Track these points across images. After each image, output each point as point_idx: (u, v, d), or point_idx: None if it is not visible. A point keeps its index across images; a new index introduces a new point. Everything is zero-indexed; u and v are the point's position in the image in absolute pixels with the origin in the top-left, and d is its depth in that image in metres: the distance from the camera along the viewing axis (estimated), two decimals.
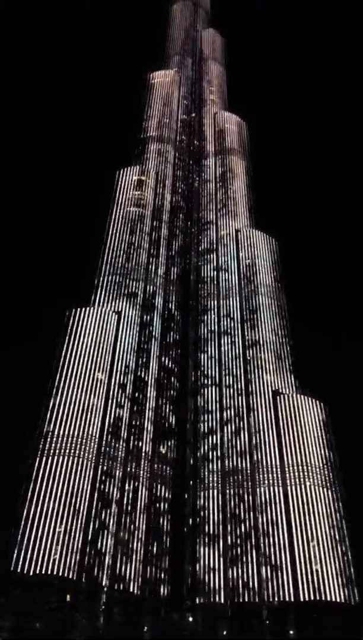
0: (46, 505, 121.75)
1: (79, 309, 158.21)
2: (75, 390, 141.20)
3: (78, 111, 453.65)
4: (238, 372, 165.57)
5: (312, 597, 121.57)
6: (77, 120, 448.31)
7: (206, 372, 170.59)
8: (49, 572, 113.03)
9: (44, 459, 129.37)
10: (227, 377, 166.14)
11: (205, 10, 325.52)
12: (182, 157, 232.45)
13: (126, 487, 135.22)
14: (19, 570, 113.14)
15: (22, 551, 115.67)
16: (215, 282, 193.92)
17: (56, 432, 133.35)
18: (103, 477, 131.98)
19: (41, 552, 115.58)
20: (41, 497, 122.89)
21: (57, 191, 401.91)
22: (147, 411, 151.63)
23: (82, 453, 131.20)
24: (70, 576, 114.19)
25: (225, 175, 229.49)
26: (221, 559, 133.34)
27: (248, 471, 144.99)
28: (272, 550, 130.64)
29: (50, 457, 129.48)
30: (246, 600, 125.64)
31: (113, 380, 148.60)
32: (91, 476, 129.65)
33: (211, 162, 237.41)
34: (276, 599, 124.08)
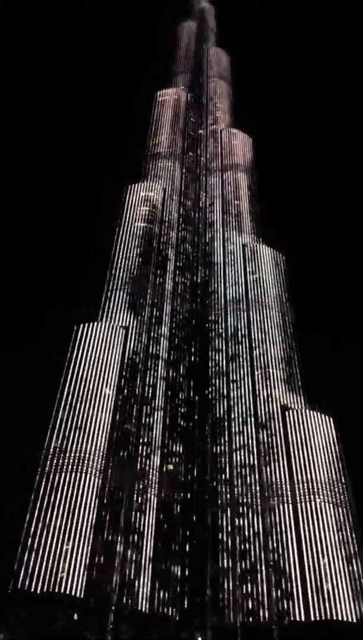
0: (52, 521, 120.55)
1: (86, 324, 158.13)
2: (82, 405, 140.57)
3: (87, 128, 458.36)
4: (247, 388, 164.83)
5: (323, 617, 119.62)
6: (86, 137, 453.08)
7: (214, 387, 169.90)
8: (56, 590, 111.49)
9: (51, 474, 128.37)
10: (235, 393, 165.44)
11: (211, 29, 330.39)
12: (189, 173, 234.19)
13: (134, 504, 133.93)
14: (25, 588, 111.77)
15: (29, 568, 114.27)
16: (222, 297, 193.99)
17: (63, 448, 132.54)
18: (111, 494, 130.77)
19: (48, 569, 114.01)
20: (48, 514, 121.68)
21: (65, 206, 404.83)
22: (155, 426, 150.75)
23: (89, 469, 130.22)
24: (78, 594, 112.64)
25: (232, 190, 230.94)
26: (231, 578, 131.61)
27: (258, 488, 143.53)
28: (282, 568, 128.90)
29: (57, 473, 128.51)
30: (257, 619, 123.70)
31: (121, 395, 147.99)
32: (98, 492, 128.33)
33: (218, 177, 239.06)
34: (286, 618, 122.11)
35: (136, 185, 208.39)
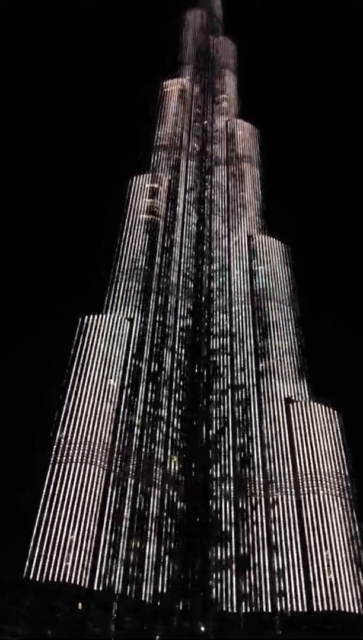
0: (58, 512, 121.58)
1: (91, 316, 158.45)
2: (87, 396, 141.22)
3: (92, 118, 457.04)
4: (251, 379, 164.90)
5: (326, 608, 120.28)
6: (91, 128, 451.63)
7: (219, 379, 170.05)
8: (61, 580, 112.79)
9: (57, 465, 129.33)
10: (240, 384, 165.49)
11: (218, 19, 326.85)
12: (194, 164, 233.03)
13: (139, 495, 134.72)
14: (31, 577, 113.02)
15: (35, 558, 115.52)
16: (227, 289, 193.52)
17: (68, 439, 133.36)
18: (116, 484, 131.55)
19: (53, 559, 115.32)
20: (53, 504, 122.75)
21: (70, 198, 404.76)
22: (159, 418, 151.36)
23: (94, 460, 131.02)
24: (82, 584, 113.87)
25: (237, 182, 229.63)
26: (235, 568, 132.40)
27: (261, 479, 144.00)
28: (285, 559, 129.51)
29: (62, 464, 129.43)
30: (259, 610, 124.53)
31: (125, 386, 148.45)
32: (103, 483, 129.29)
33: (223, 169, 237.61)
34: (289, 609, 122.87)
35: (141, 176, 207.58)
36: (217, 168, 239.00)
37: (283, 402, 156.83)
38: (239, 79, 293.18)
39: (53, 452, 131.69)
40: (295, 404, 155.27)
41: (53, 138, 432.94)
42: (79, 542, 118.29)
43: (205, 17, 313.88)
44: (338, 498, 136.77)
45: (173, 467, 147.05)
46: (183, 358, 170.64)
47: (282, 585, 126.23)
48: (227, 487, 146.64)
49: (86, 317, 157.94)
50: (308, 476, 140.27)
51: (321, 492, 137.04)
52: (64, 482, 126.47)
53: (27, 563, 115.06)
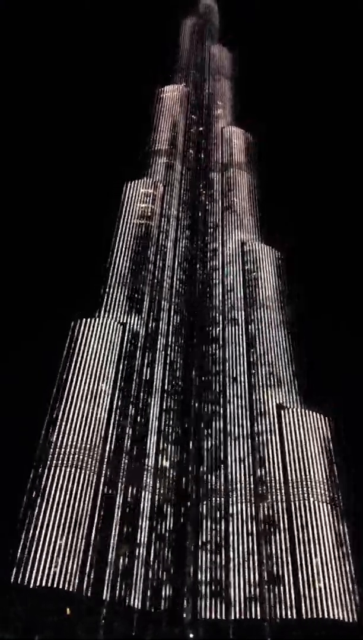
0: (47, 516, 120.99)
1: (84, 320, 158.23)
2: (79, 400, 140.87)
3: (88, 123, 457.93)
4: (243, 386, 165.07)
5: (315, 615, 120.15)
6: (87, 133, 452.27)
7: (210, 385, 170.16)
8: (49, 585, 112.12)
9: (47, 469, 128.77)
10: (231, 391, 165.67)
11: (214, 26, 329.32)
12: (189, 171, 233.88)
13: (129, 500, 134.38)
14: (19, 582, 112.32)
15: (23, 563, 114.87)
16: (220, 295, 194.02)
17: (59, 443, 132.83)
18: (106, 489, 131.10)
19: (42, 564, 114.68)
20: (43, 508, 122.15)
21: (65, 202, 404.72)
22: (151, 423, 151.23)
23: (85, 464, 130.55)
24: (71, 589, 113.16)
25: (231, 188, 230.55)
26: (223, 575, 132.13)
27: (252, 486, 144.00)
28: (275, 566, 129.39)
29: (52, 468, 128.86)
30: (248, 616, 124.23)
31: (117, 391, 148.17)
32: (93, 487, 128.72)
33: (218, 175, 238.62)
34: (278, 615, 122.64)
35: (136, 181, 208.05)
36: (212, 174, 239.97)
37: (275, 409, 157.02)
38: (235, 86, 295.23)
39: (43, 456, 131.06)
40: (286, 411, 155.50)
41: (49, 142, 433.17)
42: (68, 547, 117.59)
43: (203, 25, 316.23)
44: (328, 505, 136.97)
45: (163, 472, 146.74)
46: (175, 363, 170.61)
47: (271, 592, 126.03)
48: (218, 494, 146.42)
49: (79, 320, 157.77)
50: (299, 483, 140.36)
51: (311, 498, 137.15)
52: (54, 486, 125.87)
53: (15, 567, 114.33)
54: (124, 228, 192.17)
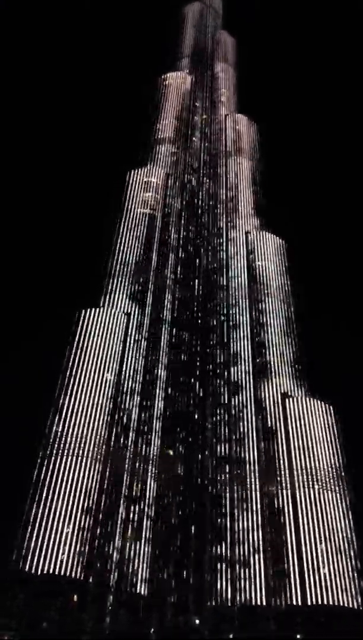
0: (53, 505, 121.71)
1: (88, 310, 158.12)
2: (83, 390, 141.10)
3: (91, 112, 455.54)
4: (248, 375, 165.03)
5: (320, 601, 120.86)
6: (89, 121, 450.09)
7: (215, 374, 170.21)
8: (56, 573, 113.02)
9: (52, 459, 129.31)
10: (236, 380, 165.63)
11: (217, 12, 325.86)
12: (193, 158, 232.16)
13: (134, 488, 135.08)
14: (26, 570, 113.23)
15: (30, 551, 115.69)
16: (224, 284, 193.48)
17: (64, 433, 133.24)
18: (111, 478, 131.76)
19: (49, 552, 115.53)
20: (49, 497, 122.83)
21: (68, 192, 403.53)
22: (155, 412, 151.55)
23: (90, 453, 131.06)
24: (77, 577, 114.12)
25: (235, 176, 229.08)
26: (229, 561, 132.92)
27: (257, 474, 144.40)
28: (280, 553, 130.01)
29: (58, 457, 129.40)
30: (254, 603, 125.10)
31: (122, 380, 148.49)
32: (99, 476, 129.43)
33: (222, 163, 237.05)
34: (284, 602, 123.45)
35: (139, 170, 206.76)
36: (216, 162, 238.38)
37: (280, 397, 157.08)
38: (238, 73, 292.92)
39: (49, 446, 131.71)
40: (291, 399, 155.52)
41: (51, 131, 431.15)
42: (74, 536, 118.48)
43: (205, 11, 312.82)
44: (333, 492, 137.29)
45: (168, 461, 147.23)
46: (179, 353, 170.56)
47: (277, 578, 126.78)
48: (223, 482, 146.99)
49: (83, 311, 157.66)
50: (304, 471, 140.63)
51: (316, 486, 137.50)
52: (60, 475, 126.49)
53: (22, 555, 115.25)
54: (127, 217, 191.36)
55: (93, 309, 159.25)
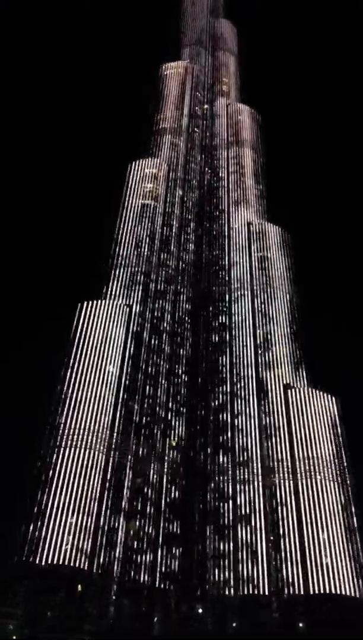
0: (58, 496, 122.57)
1: (90, 302, 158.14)
2: (86, 382, 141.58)
3: (91, 103, 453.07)
4: (250, 366, 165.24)
5: (322, 590, 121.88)
6: (90, 112, 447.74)
7: (217, 366, 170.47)
8: (60, 563, 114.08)
9: (56, 450, 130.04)
10: (239, 371, 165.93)
11: (219, 1, 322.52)
12: (194, 149, 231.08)
13: (138, 479, 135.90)
14: (31, 560, 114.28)
15: (35, 541, 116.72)
16: (227, 275, 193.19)
17: (67, 425, 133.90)
18: (115, 469, 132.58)
19: (53, 542, 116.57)
20: (53, 488, 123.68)
21: (69, 183, 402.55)
22: (158, 403, 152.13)
23: (93, 445, 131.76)
24: (81, 566, 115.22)
25: (237, 167, 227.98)
26: (232, 551, 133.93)
27: (259, 464, 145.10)
28: (282, 543, 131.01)
29: (62, 449, 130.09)
30: (256, 592, 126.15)
31: (124, 372, 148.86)
32: (102, 467, 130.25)
33: (224, 153, 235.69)
34: (286, 591, 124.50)
35: (140, 161, 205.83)
36: (217, 152, 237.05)
37: (282, 388, 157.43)
38: (240, 62, 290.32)
39: (53, 437, 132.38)
40: (293, 390, 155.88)
41: (51, 124, 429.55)
42: (79, 526, 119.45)
43: (206, 0, 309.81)
44: (335, 483, 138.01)
45: (171, 451, 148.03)
46: (181, 344, 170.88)
47: (279, 568, 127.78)
48: (226, 472, 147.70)
49: (86, 303, 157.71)
50: (306, 461, 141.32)
51: (318, 477, 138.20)
52: (64, 466, 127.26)
53: (27, 545, 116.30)
54: (129, 208, 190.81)
55: (95, 301, 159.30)
